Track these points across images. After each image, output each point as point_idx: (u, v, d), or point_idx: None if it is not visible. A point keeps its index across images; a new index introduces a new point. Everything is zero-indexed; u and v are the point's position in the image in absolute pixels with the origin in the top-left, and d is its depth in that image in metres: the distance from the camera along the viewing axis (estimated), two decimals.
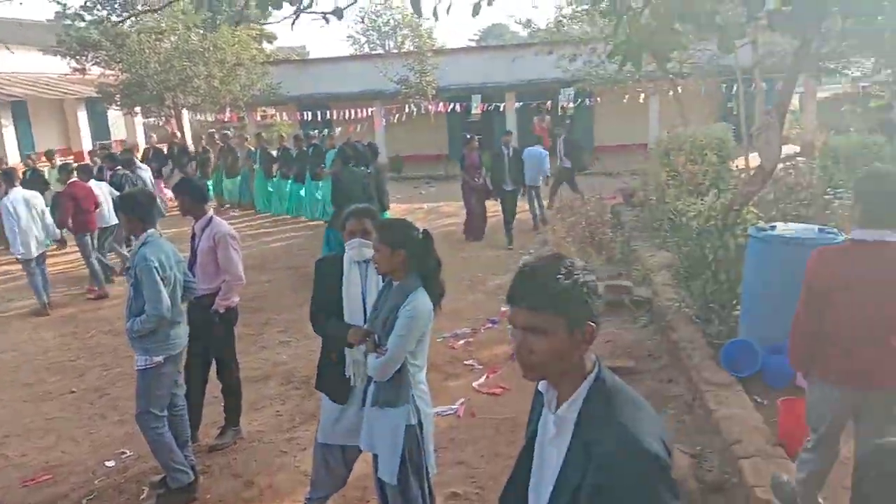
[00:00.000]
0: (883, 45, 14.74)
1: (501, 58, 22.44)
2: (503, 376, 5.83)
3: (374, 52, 31.91)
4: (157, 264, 4.05)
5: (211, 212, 4.90)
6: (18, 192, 8.53)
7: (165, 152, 17.34)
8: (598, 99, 20.09)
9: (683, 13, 5.43)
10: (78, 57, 20.07)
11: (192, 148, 18.60)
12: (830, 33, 14.41)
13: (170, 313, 4.09)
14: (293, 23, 3.28)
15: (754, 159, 8.74)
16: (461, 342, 6.76)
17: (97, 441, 5.19)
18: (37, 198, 8.78)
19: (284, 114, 24.02)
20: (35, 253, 8.49)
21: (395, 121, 21.53)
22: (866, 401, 3.09)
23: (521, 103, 21.74)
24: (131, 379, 4.49)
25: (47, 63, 21.59)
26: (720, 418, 4.41)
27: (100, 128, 24.19)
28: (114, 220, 9.92)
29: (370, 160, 9.78)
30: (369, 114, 21.82)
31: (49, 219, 8.83)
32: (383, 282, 3.27)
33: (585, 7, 15.69)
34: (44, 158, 14.85)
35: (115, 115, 23.47)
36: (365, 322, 3.31)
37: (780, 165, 9.35)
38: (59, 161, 13.44)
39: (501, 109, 22.00)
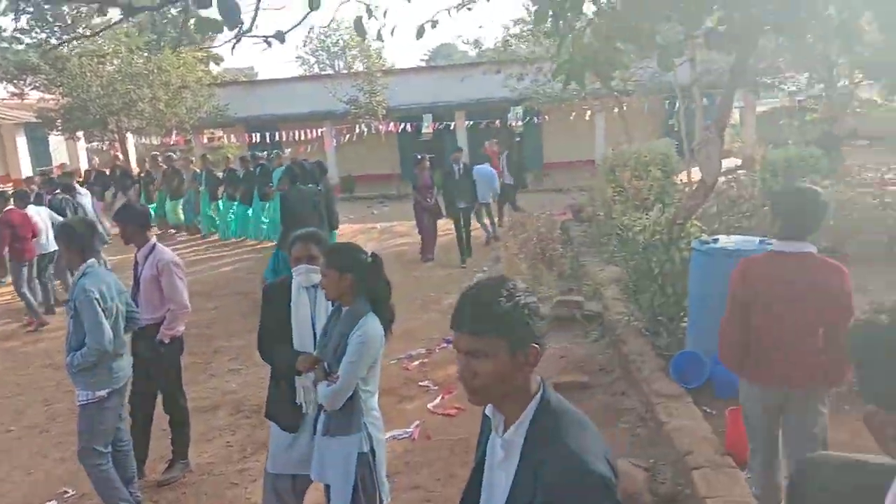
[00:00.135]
0: (815, 60, 15.39)
1: (451, 77, 22.67)
2: (458, 397, 5.80)
3: (323, 73, 31.83)
4: (97, 295, 3.93)
5: (153, 239, 4.78)
6: None
7: (108, 174, 16.94)
8: (546, 117, 20.45)
9: (624, 33, 5.58)
10: (16, 81, 19.52)
11: (136, 170, 18.22)
12: (766, 50, 15.00)
13: (112, 346, 3.96)
14: (233, 47, 3.24)
15: (697, 173, 8.99)
16: (415, 363, 6.72)
17: (38, 481, 4.97)
18: None
19: (232, 136, 23.74)
20: None
21: (346, 141, 21.48)
22: (790, 399, 3.27)
23: (471, 122, 21.96)
24: (73, 414, 4.32)
25: None
26: (671, 430, 4.47)
27: (41, 154, 23.49)
28: (53, 247, 9.61)
29: (319, 178, 9.71)
30: (319, 134, 21.72)
31: None
32: (332, 307, 3.24)
33: (530, 27, 15.98)
34: None
35: (56, 141, 22.85)
36: (315, 348, 3.26)
37: (722, 179, 9.63)
38: None
39: (452, 128, 22.18)
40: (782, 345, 3.19)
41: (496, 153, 13.76)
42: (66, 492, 4.75)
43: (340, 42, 32.58)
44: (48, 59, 18.43)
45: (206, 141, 24.60)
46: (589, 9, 5.60)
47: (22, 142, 22.46)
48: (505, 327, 1.61)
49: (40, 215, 9.65)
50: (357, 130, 20.84)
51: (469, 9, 5.73)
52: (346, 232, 14.10)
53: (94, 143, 21.62)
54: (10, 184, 18.83)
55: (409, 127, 21.62)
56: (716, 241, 5.25)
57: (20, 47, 19.05)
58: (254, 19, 3.05)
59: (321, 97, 21.30)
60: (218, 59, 29.80)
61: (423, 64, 46.40)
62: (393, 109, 21.39)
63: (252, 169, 14.07)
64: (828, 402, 3.31)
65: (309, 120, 21.93)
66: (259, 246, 13.49)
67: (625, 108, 14.28)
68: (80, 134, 19.97)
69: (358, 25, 3.95)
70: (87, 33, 16.73)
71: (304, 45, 37.49)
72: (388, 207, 18.62)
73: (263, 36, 3.55)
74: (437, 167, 12.44)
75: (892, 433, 0.96)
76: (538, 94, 17.23)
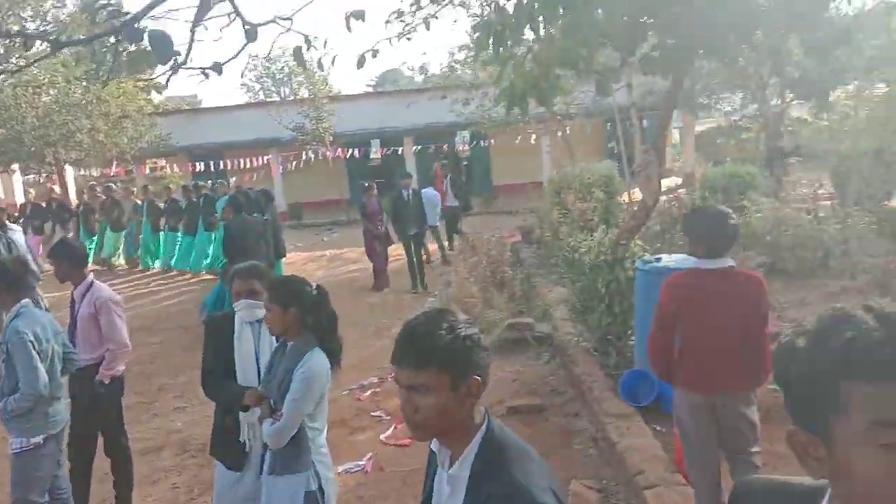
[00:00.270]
0: (748, 82, 16.00)
1: (397, 103, 22.77)
2: None
3: (268, 100, 31.64)
4: (31, 337, 3.76)
5: (91, 276, 4.63)
6: None
7: (45, 207, 16.38)
8: (493, 141, 20.68)
9: (563, 59, 5.70)
10: None
11: (75, 203, 17.70)
12: (701, 72, 15.53)
13: (47, 390, 3.79)
14: (168, 79, 3.18)
15: (639, 194, 9.22)
16: (368, 393, 6.63)
17: None
18: None
19: (175, 165, 23.31)
20: None
21: (293, 168, 21.31)
22: (719, 404, 3.46)
23: (419, 146, 22.05)
24: (7, 463, 4.11)
25: None
26: (623, 450, 4.50)
27: None
28: None
29: (265, 207, 9.57)
30: (265, 162, 21.50)
31: None
32: (277, 341, 3.17)
33: (474, 54, 16.20)
34: None
35: None
36: (259, 384, 3.19)
37: (664, 198, 9.87)
38: None
39: (400, 153, 22.24)
40: (712, 353, 3.40)
41: (441, 175, 13.84)
42: None
43: (286, 69, 32.51)
44: None
45: (147, 171, 24.09)
46: (528, 36, 5.69)
47: None
48: (446, 360, 1.60)
49: None
50: (304, 157, 20.71)
51: (409, 38, 5.77)
52: (294, 260, 13.94)
53: (31, 176, 20.92)
54: None
55: (357, 152, 21.59)
56: (658, 260, 5.36)
57: None
58: (188, 52, 3.00)
59: (267, 124, 21.13)
60: (160, 88, 29.30)
61: (370, 90, 46.60)
62: (340, 135, 21.35)
63: (195, 199, 13.81)
64: (755, 403, 3.53)
65: (254, 147, 21.71)
66: (203, 277, 13.19)
67: (568, 131, 14.56)
68: (15, 167, 19.31)
69: (297, 55, 3.93)
70: (22, 63, 16.22)
71: (249, 73, 37.28)
72: (338, 234, 18.48)
73: (200, 68, 3.50)
74: (387, 193, 12.43)
75: (812, 453, 0.98)
76: (484, 119, 17.43)
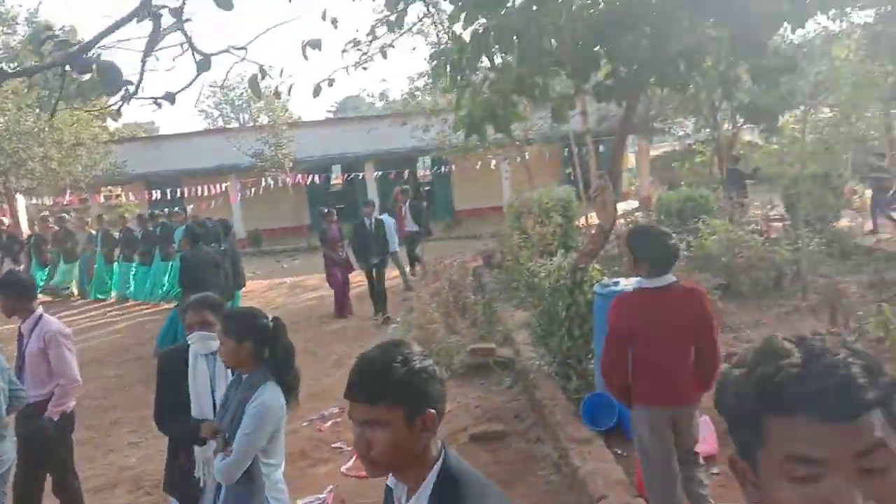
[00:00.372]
0: (700, 107, 16.45)
1: (358, 129, 22.80)
2: None
3: (227, 126, 31.40)
4: None
5: (40, 309, 4.49)
6: None
7: None
8: (454, 166, 20.81)
9: (519, 87, 5.80)
10: None
11: (26, 233, 17.21)
12: (654, 98, 15.92)
13: None
14: (119, 108, 3.13)
15: (596, 217, 9.35)
16: (328, 423, 6.53)
17: None
18: None
19: (131, 193, 22.90)
20: None
21: (252, 195, 21.09)
22: (678, 415, 3.63)
23: (380, 172, 22.07)
24: None
25: None
26: (585, 474, 4.50)
27: None
28: None
29: (223, 237, 9.44)
30: (224, 189, 21.26)
31: None
32: (233, 374, 3.11)
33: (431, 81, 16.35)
34: None
35: None
36: (215, 417, 3.12)
37: (622, 221, 10.04)
38: None
39: (361, 177, 22.22)
40: (667, 367, 3.55)
41: (401, 200, 13.81)
42: None
43: (244, 95, 32.36)
44: None
45: (102, 200, 23.62)
46: (485, 64, 5.79)
47: None
48: (400, 395, 1.58)
49: None
50: (263, 183, 20.53)
51: (365, 68, 5.80)
52: (254, 289, 13.74)
53: None
54: None
55: (317, 178, 21.50)
56: (616, 283, 5.41)
57: None
58: (139, 81, 2.96)
59: (225, 151, 20.93)
60: (115, 116, 28.89)
61: (331, 115, 46.65)
62: (301, 161, 21.27)
63: (151, 228, 13.56)
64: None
65: (213, 174, 21.47)
66: (159, 308, 12.90)
67: (527, 156, 14.74)
68: None
69: (253, 85, 3.91)
70: None
71: (207, 99, 37.01)
72: (299, 261, 18.30)
73: (152, 97, 3.46)
74: (348, 219, 12.32)
75: (750, 479, 1.00)
76: (445, 145, 17.54)
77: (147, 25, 2.87)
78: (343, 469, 5.51)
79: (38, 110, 18.26)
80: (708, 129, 17.21)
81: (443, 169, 21.76)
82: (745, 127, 18.05)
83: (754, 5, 5.19)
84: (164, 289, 12.94)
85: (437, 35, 12.83)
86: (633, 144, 22.13)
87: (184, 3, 2.63)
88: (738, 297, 8.63)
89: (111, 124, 25.59)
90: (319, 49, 4.25)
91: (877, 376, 0.93)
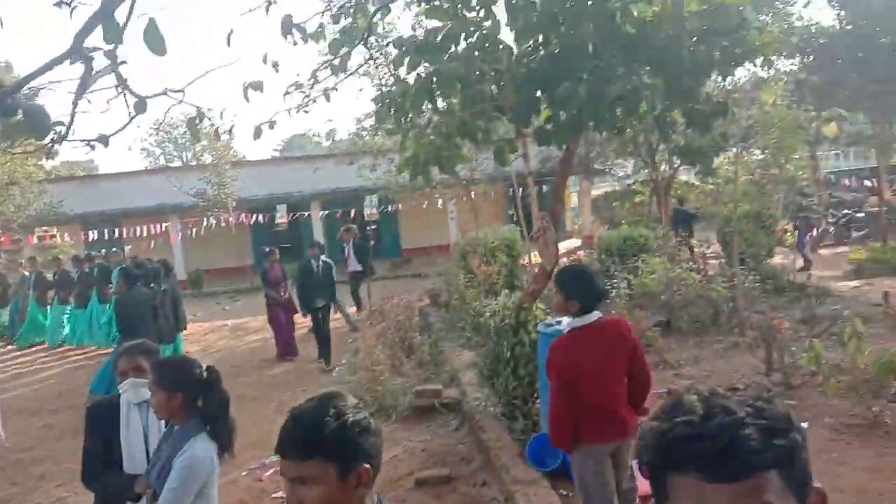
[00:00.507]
0: (639, 149, 16.97)
1: (304, 168, 22.69)
2: None
3: (169, 165, 30.86)
4: None
5: None
6: None
7: None
8: (400, 205, 20.86)
9: (462, 131, 5.88)
10: None
11: None
12: (595, 141, 16.36)
13: None
14: (48, 151, 3.04)
15: (538, 256, 9.47)
16: (269, 473, 6.32)
17: None
18: None
19: (67, 234, 22.16)
20: None
21: (193, 235, 20.66)
22: (616, 450, 3.75)
23: (326, 211, 21.94)
24: None
25: None
26: None
27: None
28: None
29: (162, 278, 9.17)
30: (164, 229, 20.77)
31: None
32: (166, 425, 2.99)
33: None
34: None
35: None
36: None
37: (564, 259, 10.17)
38: None
39: (307, 217, 22.04)
40: (610, 401, 3.64)
41: (346, 240, 13.71)
42: None
43: (187, 134, 31.92)
44: None
45: (36, 240, 22.77)
46: (429, 107, 5.86)
47: None
48: (331, 450, 1.55)
49: None
50: (205, 223, 20.15)
51: (306, 111, 5.80)
52: (195, 331, 13.37)
53: None
54: None
55: (262, 218, 21.23)
56: (559, 322, 5.46)
57: None
58: (70, 124, 2.89)
59: (166, 190, 20.52)
60: (51, 155, 28.07)
61: (277, 154, 46.38)
62: (245, 201, 21.01)
63: (88, 269, 13.11)
64: None
65: (153, 214, 20.99)
66: (98, 352, 12.40)
67: (473, 195, 14.89)
68: None
69: (191, 126, 3.87)
70: None
71: (148, 138, 36.40)
72: (241, 302, 17.93)
73: (85, 140, 3.38)
74: (294, 259, 12.08)
75: None
76: (391, 184, 17.58)
77: (80, 67, 2.82)
78: None
79: None
80: (646, 170, 17.74)
81: (390, 208, 21.79)
82: (682, 168, 18.67)
83: (686, 54, 5.42)
84: (103, 334, 12.42)
85: (380, 78, 12.97)
86: (576, 184, 22.61)
87: (116, 46, 2.59)
88: (677, 334, 8.82)
89: (48, 163, 24.87)
90: (261, 91, 4.24)
91: (774, 438, 0.94)
